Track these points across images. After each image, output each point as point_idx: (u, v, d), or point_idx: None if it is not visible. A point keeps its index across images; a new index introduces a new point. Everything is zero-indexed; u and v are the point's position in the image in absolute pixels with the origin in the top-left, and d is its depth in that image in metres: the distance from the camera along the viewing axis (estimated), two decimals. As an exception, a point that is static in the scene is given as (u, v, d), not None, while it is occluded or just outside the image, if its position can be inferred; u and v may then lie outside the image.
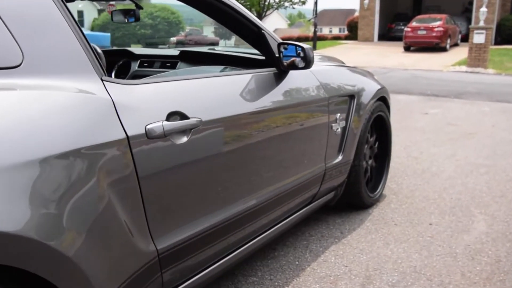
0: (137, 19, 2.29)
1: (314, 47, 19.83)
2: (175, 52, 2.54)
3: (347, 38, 26.57)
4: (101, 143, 1.17)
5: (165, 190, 1.40)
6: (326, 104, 2.30)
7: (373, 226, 2.70)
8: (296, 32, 46.15)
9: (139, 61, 2.64)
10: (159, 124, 1.34)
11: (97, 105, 1.21)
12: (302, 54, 1.94)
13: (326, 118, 2.31)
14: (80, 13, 30.90)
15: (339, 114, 2.42)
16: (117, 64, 2.70)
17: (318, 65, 2.51)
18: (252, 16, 1.98)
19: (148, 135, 1.31)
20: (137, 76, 2.57)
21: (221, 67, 2.25)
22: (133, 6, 2.32)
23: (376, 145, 3.08)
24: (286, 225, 2.22)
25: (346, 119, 2.53)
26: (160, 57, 2.59)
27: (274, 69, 2.04)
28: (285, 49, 1.99)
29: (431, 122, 5.71)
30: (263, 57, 2.12)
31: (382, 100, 2.99)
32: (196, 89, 1.58)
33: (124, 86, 1.34)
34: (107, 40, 11.03)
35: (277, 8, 25.50)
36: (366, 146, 2.89)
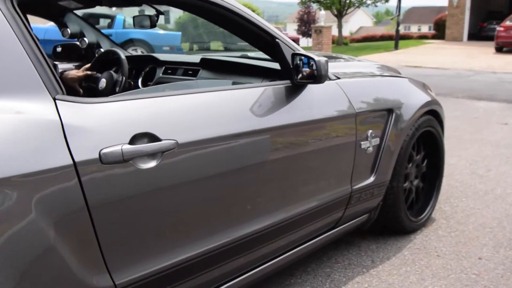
0: (153, 25, 2.20)
1: (396, 47, 18.98)
2: (198, 59, 2.42)
3: (434, 37, 25.18)
4: (37, 171, 1.06)
5: (126, 219, 1.27)
6: (354, 120, 2.06)
7: (411, 256, 2.41)
8: (381, 30, 44.65)
9: (163, 68, 2.55)
10: (118, 148, 1.22)
11: (39, 127, 1.11)
12: (314, 67, 1.72)
13: (353, 136, 2.07)
14: (167, 12, 32.13)
15: (371, 131, 2.17)
16: (144, 70, 2.64)
17: (350, 76, 2.27)
18: (264, 23, 1.81)
19: (103, 161, 1.19)
20: (160, 83, 2.48)
21: (238, 78, 2.09)
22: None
23: (425, 164, 2.76)
24: (301, 252, 2.01)
25: (382, 136, 2.26)
26: (183, 64, 2.48)
27: (288, 82, 1.85)
28: (301, 60, 1.79)
29: (509, 134, 5.14)
30: None
31: (433, 114, 2.67)
32: (175, 107, 1.43)
33: (81, 105, 1.23)
34: (177, 39, 11.24)
35: (358, 6, 24.71)
36: (410, 165, 2.60)
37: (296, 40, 29.61)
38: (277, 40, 1.83)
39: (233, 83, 2.20)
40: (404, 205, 2.51)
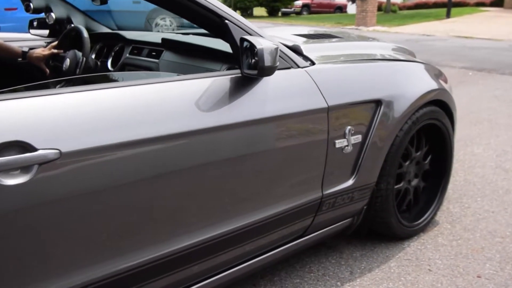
0: (104, 1, 1.94)
1: (448, 15, 17.82)
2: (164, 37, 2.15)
3: (492, 4, 23.50)
4: None
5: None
6: (325, 116, 1.76)
7: (397, 268, 2.11)
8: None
9: (131, 47, 2.31)
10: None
11: None
12: (256, 57, 1.43)
13: (323, 134, 1.76)
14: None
15: (350, 128, 1.86)
16: (114, 50, 2.41)
17: (333, 61, 1.95)
18: (210, 1, 1.52)
19: None
20: (126, 65, 2.25)
21: (201, 62, 1.82)
22: None
23: (427, 161, 2.42)
24: (262, 262, 1.78)
25: (366, 133, 1.94)
26: (150, 44, 2.23)
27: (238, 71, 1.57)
28: (249, 46, 1.49)
29: (553, 119, 4.59)
30: None
31: (438, 104, 2.31)
32: (63, 109, 1.19)
33: None
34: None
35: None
36: (407, 163, 2.27)
37: (343, 7, 28.48)
38: (225, 21, 1.54)
39: (195, 68, 1.94)
40: (394, 209, 2.20)
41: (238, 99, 1.53)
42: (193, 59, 1.98)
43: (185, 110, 1.41)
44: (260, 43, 1.43)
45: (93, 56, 2.52)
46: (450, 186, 2.92)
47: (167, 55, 2.07)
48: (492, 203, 2.75)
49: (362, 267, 2.11)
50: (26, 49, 2.35)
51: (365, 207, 2.09)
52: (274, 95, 1.62)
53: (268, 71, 1.45)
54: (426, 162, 2.41)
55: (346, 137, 1.85)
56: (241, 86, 1.54)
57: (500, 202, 2.76)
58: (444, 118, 2.35)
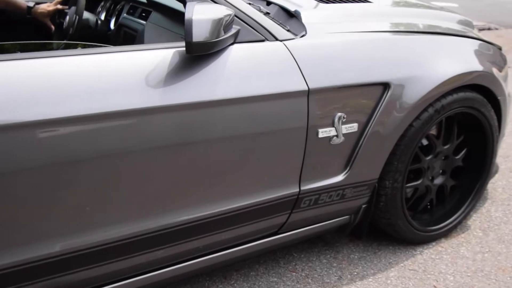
0: None
1: None
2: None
3: None
4: None
5: None
6: (304, 99, 1.47)
7: (396, 280, 1.82)
8: None
9: (129, 6, 2.13)
10: None
11: None
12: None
13: (300, 121, 1.49)
14: None
15: (340, 115, 1.55)
16: (117, 8, 2.25)
17: (332, 32, 1.64)
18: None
19: None
20: (123, 25, 2.09)
21: None
22: None
23: (460, 156, 2.03)
24: (227, 257, 1.60)
25: (366, 121, 1.63)
26: (142, 3, 2.03)
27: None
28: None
29: None
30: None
31: (479, 90, 1.89)
32: None
33: None
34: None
35: None
36: (428, 158, 1.91)
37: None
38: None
39: (175, 36, 1.74)
40: (403, 211, 1.87)
41: (187, 77, 1.30)
42: (177, 24, 1.77)
43: (118, 87, 1.22)
44: (193, 11, 1.18)
45: (104, 14, 2.40)
46: (501, 184, 2.49)
47: (154, 18, 1.87)
48: (547, 211, 2.29)
49: (355, 273, 1.84)
50: (31, 4, 2.27)
51: (364, 206, 1.80)
52: (235, 73, 1.37)
53: (199, 47, 1.20)
54: (458, 157, 2.02)
55: (335, 125, 1.56)
56: (192, 61, 1.31)
57: (558, 211, 2.29)
58: (485, 107, 1.92)
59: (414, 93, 1.68)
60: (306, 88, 1.46)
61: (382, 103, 1.63)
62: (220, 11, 1.25)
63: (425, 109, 1.74)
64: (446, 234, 2.06)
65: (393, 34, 1.77)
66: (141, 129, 1.25)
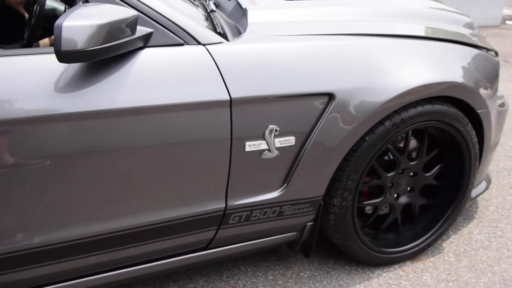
0: None
1: None
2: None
3: None
4: None
5: None
6: (226, 110, 1.35)
7: (342, 305, 1.68)
8: None
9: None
10: None
11: None
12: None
13: (222, 133, 1.37)
14: None
15: (272, 127, 1.42)
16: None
17: (275, 34, 1.50)
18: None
19: None
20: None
21: None
22: None
23: (433, 173, 1.84)
24: (150, 270, 1.52)
25: (308, 134, 1.48)
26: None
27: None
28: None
29: None
30: None
31: (454, 103, 1.71)
32: None
33: None
34: None
35: None
36: (391, 174, 1.74)
37: None
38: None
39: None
40: (354, 231, 1.72)
41: (87, 84, 1.21)
42: None
43: (12, 94, 1.16)
44: (68, 16, 1.08)
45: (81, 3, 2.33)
46: (495, 202, 2.28)
47: None
48: (538, 237, 2.06)
49: (299, 294, 1.72)
50: (4, -9, 2.25)
51: (309, 224, 1.66)
52: (144, 80, 1.27)
53: (72, 57, 1.10)
54: (429, 174, 1.84)
55: (266, 139, 1.43)
56: (93, 68, 1.22)
57: (551, 238, 2.06)
58: (459, 122, 1.72)
59: (365, 104, 1.51)
60: (228, 98, 1.34)
61: (326, 115, 1.48)
62: (113, 14, 1.15)
63: (380, 122, 1.58)
64: (412, 256, 1.89)
65: (349, 38, 1.60)
66: (36, 138, 1.18)
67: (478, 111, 1.78)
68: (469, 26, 2.07)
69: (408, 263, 1.88)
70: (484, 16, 6.73)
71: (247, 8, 1.60)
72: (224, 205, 1.47)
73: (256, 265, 1.84)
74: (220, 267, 1.82)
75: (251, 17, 1.56)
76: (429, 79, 1.61)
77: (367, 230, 1.85)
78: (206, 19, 1.61)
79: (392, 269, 1.85)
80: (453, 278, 1.80)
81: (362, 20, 1.75)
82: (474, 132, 1.79)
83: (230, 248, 1.60)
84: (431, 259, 1.91)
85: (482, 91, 1.77)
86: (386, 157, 1.78)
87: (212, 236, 1.53)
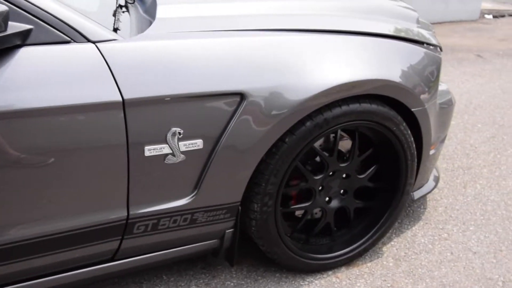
0: None
1: None
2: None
3: None
4: None
5: None
6: (119, 112, 1.24)
7: (265, 316, 1.58)
8: None
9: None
10: None
11: None
12: None
13: (116, 137, 1.26)
14: None
15: (174, 130, 1.31)
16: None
17: (183, 30, 1.39)
18: None
19: None
20: None
21: None
22: None
23: (366, 175, 1.74)
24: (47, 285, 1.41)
25: (218, 137, 1.38)
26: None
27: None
28: None
29: None
30: None
31: (386, 101, 1.61)
32: None
33: None
34: None
35: None
36: (319, 177, 1.64)
37: None
38: None
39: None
40: (279, 237, 1.62)
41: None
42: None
43: None
44: None
45: None
46: (445, 202, 2.19)
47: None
48: (484, 240, 1.97)
49: (221, 305, 1.62)
50: None
51: (228, 231, 1.56)
52: (20, 81, 1.16)
53: None
54: (363, 176, 1.74)
55: (169, 142, 1.32)
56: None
57: (497, 241, 1.97)
58: (391, 121, 1.62)
59: (282, 104, 1.41)
60: (120, 99, 1.23)
61: (237, 116, 1.37)
62: None
63: (301, 123, 1.47)
64: (347, 262, 1.80)
65: (266, 34, 1.49)
66: None
67: (412, 110, 1.68)
68: (414, 20, 1.97)
69: (343, 269, 1.79)
70: (462, 9, 6.62)
71: (157, 2, 1.49)
72: (126, 214, 1.36)
73: (181, 274, 1.74)
74: (140, 277, 1.72)
75: (160, 12, 1.46)
76: (353, 77, 1.50)
77: (298, 235, 1.75)
78: (114, 14, 1.50)
79: (325, 275, 1.75)
80: (389, 285, 1.71)
81: (288, 14, 1.65)
82: (409, 132, 1.69)
83: (141, 259, 1.49)
84: (368, 264, 1.81)
85: (418, 89, 1.67)
86: (317, 159, 1.68)
87: (116, 247, 1.42)
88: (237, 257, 1.63)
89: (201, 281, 1.71)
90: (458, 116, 3.24)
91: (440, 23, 6.26)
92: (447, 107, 1.96)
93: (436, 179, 2.12)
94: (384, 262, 1.83)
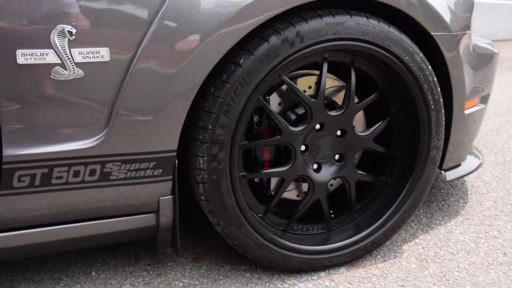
0: None
1: None
2: None
3: None
4: None
5: None
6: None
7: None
8: None
9: None
10: None
11: None
12: None
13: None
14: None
15: (62, 27, 0.90)
16: None
17: None
18: None
19: None
20: None
21: None
22: None
23: (370, 133, 1.24)
24: None
25: (137, 45, 0.95)
26: None
27: None
28: None
29: None
30: None
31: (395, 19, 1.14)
32: None
33: None
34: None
35: None
36: (300, 129, 1.15)
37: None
38: None
39: None
40: (240, 212, 1.12)
41: None
42: None
43: None
44: None
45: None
46: (494, 196, 1.64)
47: None
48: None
49: (157, 310, 1.13)
50: None
51: (163, 198, 1.08)
52: None
53: None
54: (367, 134, 1.24)
55: (55, 47, 0.90)
56: None
57: None
58: (403, 48, 1.14)
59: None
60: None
61: (160, 14, 0.95)
62: None
63: (261, 37, 1.03)
64: (348, 260, 1.26)
65: None
66: None
67: (432, 34, 1.19)
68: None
69: (342, 269, 1.26)
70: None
71: None
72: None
73: (116, 270, 1.27)
74: (62, 272, 1.25)
75: None
76: None
77: (278, 219, 1.25)
78: None
79: (315, 277, 1.23)
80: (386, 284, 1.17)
81: None
82: (429, 67, 1.20)
83: (25, 234, 1.03)
84: (380, 265, 1.27)
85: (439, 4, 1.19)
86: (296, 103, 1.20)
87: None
88: (180, 241, 1.14)
89: (140, 279, 1.23)
90: (510, 115, 2.68)
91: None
92: (489, 55, 1.45)
93: (478, 160, 1.57)
94: (404, 263, 1.28)
